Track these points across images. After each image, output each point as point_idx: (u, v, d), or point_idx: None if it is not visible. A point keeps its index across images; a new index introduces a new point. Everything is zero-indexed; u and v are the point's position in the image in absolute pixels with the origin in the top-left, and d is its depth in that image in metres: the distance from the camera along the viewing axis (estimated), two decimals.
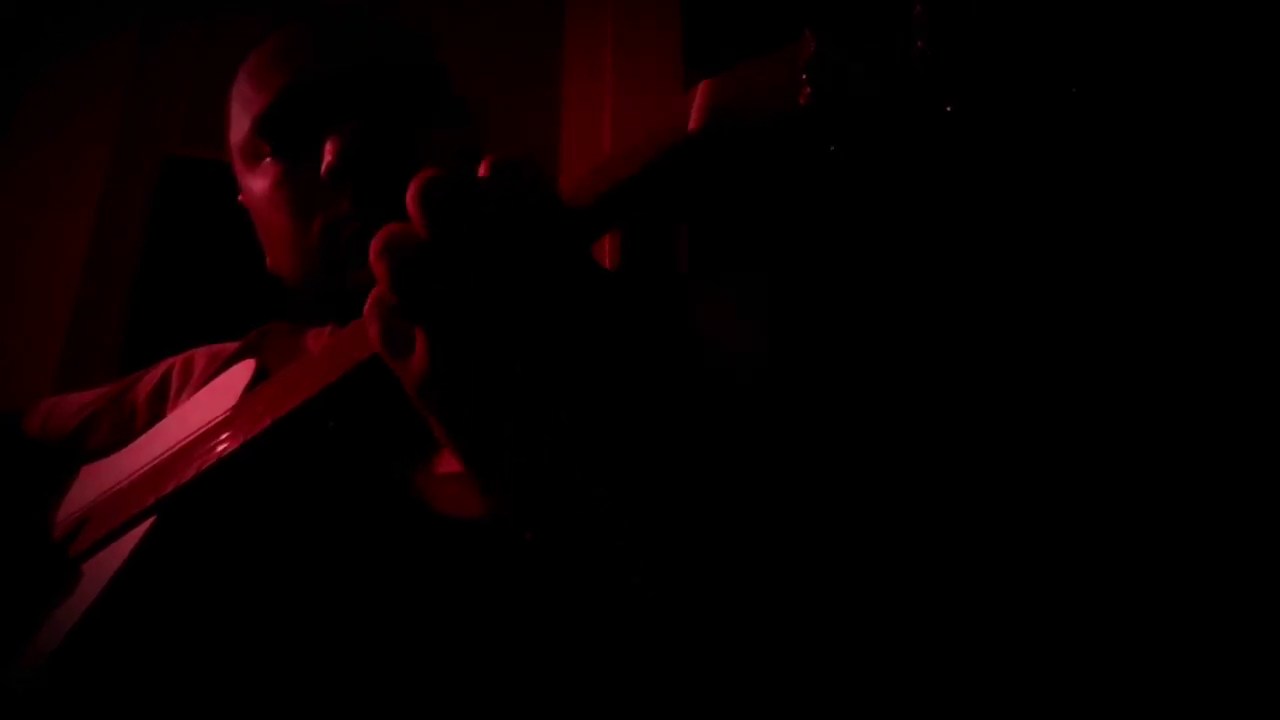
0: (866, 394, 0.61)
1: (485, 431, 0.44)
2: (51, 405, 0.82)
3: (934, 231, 1.07)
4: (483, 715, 0.54)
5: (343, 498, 0.60)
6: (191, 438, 0.59)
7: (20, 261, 1.25)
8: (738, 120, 0.41)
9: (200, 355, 0.80)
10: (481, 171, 0.43)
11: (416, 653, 0.55)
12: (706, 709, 0.44)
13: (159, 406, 0.77)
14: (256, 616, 0.58)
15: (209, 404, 0.60)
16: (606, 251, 1.17)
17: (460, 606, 0.56)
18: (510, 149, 0.45)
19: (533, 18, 1.52)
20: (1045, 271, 1.04)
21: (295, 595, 0.58)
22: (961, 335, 1.01)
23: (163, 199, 1.40)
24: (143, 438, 0.65)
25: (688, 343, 0.59)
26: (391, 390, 0.46)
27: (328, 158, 0.66)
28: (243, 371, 0.61)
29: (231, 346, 0.79)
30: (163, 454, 0.61)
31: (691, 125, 0.42)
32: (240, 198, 0.77)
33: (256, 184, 0.72)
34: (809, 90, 0.39)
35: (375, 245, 0.43)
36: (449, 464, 0.59)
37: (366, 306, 0.45)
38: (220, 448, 0.55)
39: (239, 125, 0.74)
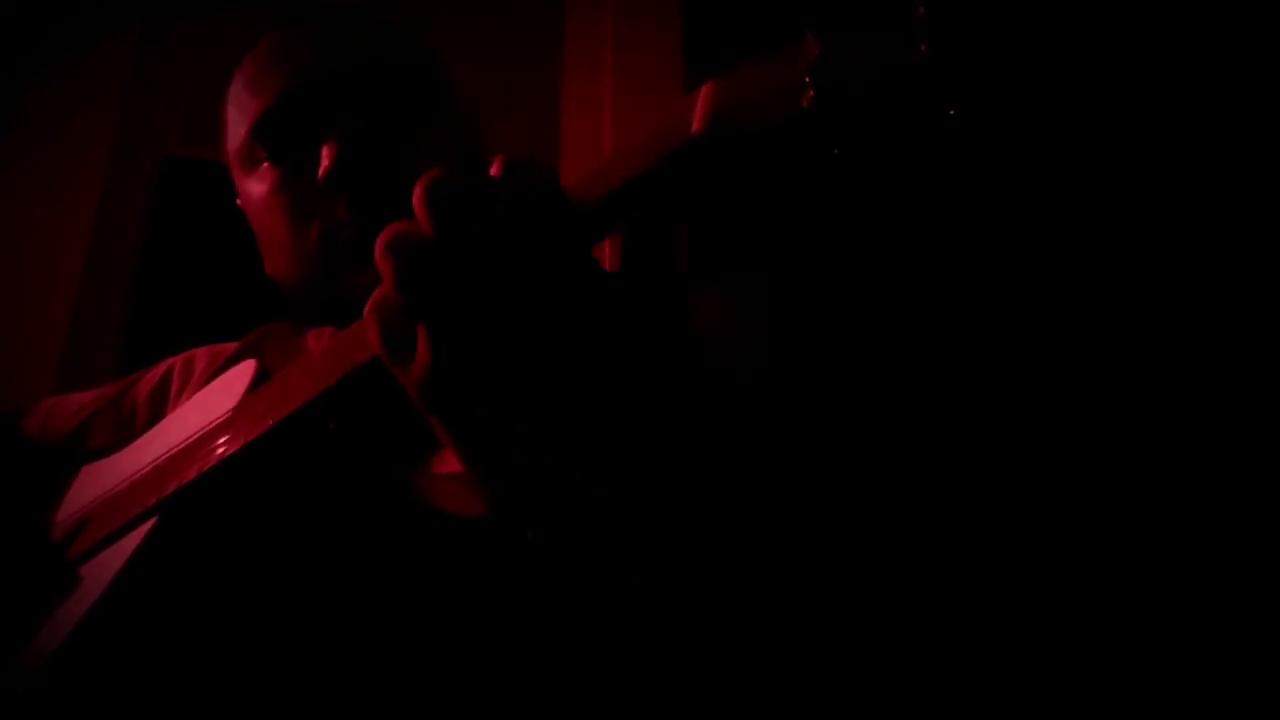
0: (866, 394, 0.61)
1: (485, 431, 0.44)
2: (51, 405, 0.81)
3: (934, 232, 1.07)
4: (483, 715, 0.54)
5: (344, 498, 0.60)
6: (193, 438, 0.59)
7: (20, 261, 1.24)
8: (741, 123, 0.41)
9: (201, 355, 0.80)
10: (494, 171, 0.43)
11: (418, 652, 0.55)
12: (706, 709, 0.45)
13: (159, 407, 0.77)
14: (258, 617, 0.58)
15: (210, 404, 0.60)
16: (606, 252, 1.17)
17: (460, 606, 0.56)
18: (510, 149, 0.45)
19: (533, 18, 1.52)
20: (1045, 272, 1.04)
21: (297, 596, 0.58)
22: (961, 336, 1.01)
23: (163, 199, 1.40)
24: (143, 438, 0.65)
25: (688, 343, 0.59)
26: (392, 391, 0.46)
27: (324, 163, 0.66)
28: (244, 372, 0.61)
29: (232, 347, 0.79)
30: (164, 454, 0.60)
31: (695, 127, 0.42)
32: (238, 202, 0.77)
33: (254, 190, 0.72)
34: (812, 93, 0.39)
35: (380, 243, 0.43)
36: (449, 464, 0.59)
37: (366, 309, 0.45)
38: (222, 449, 0.55)
39: (235, 131, 0.73)
